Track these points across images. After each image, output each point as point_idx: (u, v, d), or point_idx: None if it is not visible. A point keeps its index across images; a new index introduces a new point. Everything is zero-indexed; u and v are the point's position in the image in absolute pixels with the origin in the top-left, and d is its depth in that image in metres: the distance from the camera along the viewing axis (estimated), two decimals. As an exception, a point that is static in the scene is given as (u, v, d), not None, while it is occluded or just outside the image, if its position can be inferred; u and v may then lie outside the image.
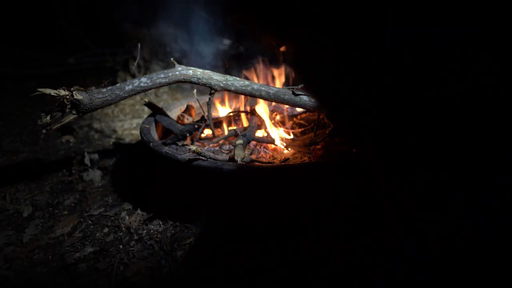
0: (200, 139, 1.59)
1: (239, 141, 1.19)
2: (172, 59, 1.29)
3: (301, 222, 1.10)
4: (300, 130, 1.59)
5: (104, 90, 1.16)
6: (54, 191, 1.48)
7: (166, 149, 1.16)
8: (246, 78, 1.51)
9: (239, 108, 1.74)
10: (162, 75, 1.24)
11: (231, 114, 1.62)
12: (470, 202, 0.41)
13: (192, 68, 1.28)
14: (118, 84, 1.19)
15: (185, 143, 1.55)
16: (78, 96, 1.07)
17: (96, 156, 1.71)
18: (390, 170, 0.49)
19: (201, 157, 1.05)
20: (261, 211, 1.10)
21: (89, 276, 0.97)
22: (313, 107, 1.31)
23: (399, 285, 0.62)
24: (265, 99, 1.31)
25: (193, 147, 1.01)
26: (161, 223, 1.19)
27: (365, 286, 0.88)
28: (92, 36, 4.97)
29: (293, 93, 1.30)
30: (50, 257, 1.06)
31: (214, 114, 1.67)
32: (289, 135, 1.51)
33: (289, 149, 1.42)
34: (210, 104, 1.38)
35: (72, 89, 1.08)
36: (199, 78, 1.28)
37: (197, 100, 1.55)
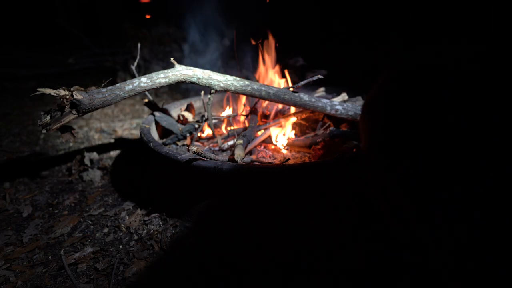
0: (200, 139, 1.58)
1: (239, 141, 1.19)
2: (172, 59, 1.29)
3: (300, 222, 1.09)
4: (300, 130, 1.59)
5: (104, 90, 1.15)
6: (54, 191, 1.48)
7: (166, 149, 1.16)
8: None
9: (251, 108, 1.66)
10: (162, 75, 1.24)
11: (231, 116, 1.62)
12: None
13: (192, 68, 1.28)
14: (118, 84, 1.19)
15: (185, 143, 1.55)
16: (78, 96, 1.07)
17: (96, 156, 1.71)
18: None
19: (201, 157, 1.05)
20: (261, 210, 1.10)
21: (89, 276, 0.97)
22: (313, 107, 1.31)
23: None
24: (265, 99, 1.31)
25: (193, 147, 1.01)
26: (161, 223, 1.19)
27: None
28: (92, 36, 4.97)
29: (293, 92, 1.30)
30: (50, 257, 1.06)
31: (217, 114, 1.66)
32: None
33: (289, 149, 1.42)
34: (210, 104, 1.38)
35: (72, 89, 1.08)
36: (199, 78, 1.28)
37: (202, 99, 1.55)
